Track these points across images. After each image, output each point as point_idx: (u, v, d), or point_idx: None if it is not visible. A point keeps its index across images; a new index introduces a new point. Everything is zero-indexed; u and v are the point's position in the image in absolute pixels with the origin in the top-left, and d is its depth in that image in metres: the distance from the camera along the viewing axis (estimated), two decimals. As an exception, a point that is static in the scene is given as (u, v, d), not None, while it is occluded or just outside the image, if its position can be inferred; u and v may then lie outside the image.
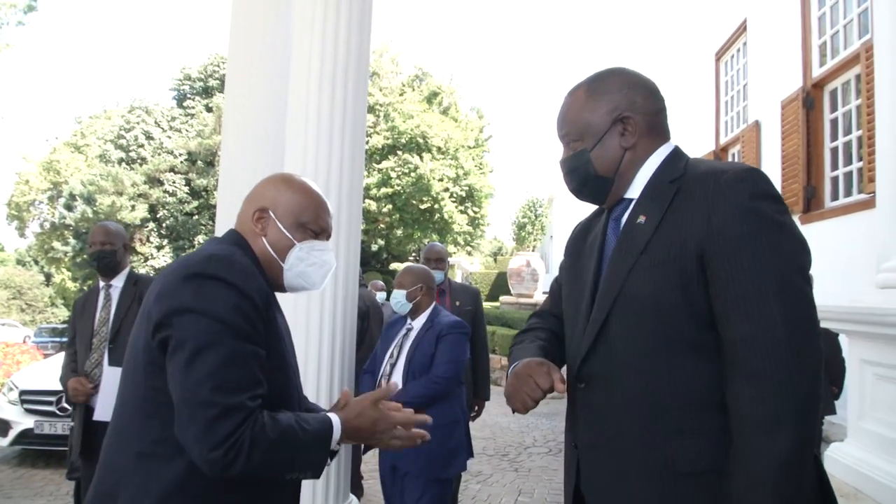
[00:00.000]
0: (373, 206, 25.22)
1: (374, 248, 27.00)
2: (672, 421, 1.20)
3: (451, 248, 26.21)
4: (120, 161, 28.70)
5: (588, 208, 1.59)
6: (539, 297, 14.42)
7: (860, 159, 5.01)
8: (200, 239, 25.44)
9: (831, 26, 5.26)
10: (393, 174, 25.45)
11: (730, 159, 7.46)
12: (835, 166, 5.58)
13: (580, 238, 1.55)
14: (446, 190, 25.64)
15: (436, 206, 25.52)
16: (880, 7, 3.24)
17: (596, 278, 1.37)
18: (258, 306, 1.26)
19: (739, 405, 1.13)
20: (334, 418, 1.31)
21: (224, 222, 3.08)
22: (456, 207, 26.18)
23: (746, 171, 1.21)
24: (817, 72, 5.64)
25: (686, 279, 1.20)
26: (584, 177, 1.40)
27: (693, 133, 8.45)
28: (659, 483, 1.21)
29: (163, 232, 28.33)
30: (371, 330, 4.37)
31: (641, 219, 1.30)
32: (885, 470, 2.88)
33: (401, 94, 27.76)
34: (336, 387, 3.15)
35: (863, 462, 3.07)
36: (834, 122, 5.58)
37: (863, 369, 3.22)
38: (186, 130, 29.02)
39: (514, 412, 1.37)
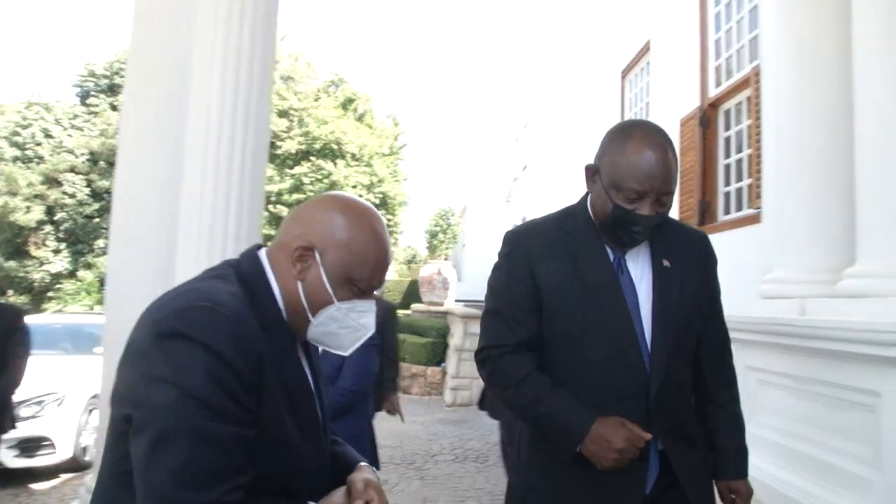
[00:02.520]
0: (284, 211, 24.77)
1: (286, 254, 26.54)
2: (691, 412, 1.67)
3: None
4: (15, 159, 27.06)
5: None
6: (450, 304, 14.50)
7: (750, 176, 5.31)
8: (101, 243, 24.25)
9: (726, 49, 5.57)
10: (306, 180, 25.09)
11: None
12: (728, 182, 5.89)
13: (560, 251, 1.60)
14: (360, 197, 25.50)
15: (350, 213, 25.34)
16: (767, 34, 3.45)
17: (635, 314, 1.56)
18: (243, 375, 1.00)
19: (729, 402, 1.71)
20: None
21: (119, 227, 2.97)
22: (370, 215, 26.08)
23: (705, 234, 1.81)
24: (713, 92, 5.95)
25: (701, 313, 1.64)
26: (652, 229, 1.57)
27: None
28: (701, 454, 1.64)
29: (60, 235, 26.85)
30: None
31: (666, 263, 1.60)
32: (769, 472, 3.04)
33: (316, 100, 27.43)
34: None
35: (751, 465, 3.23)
36: (728, 141, 5.89)
37: (747, 375, 3.39)
38: (89, 129, 27.66)
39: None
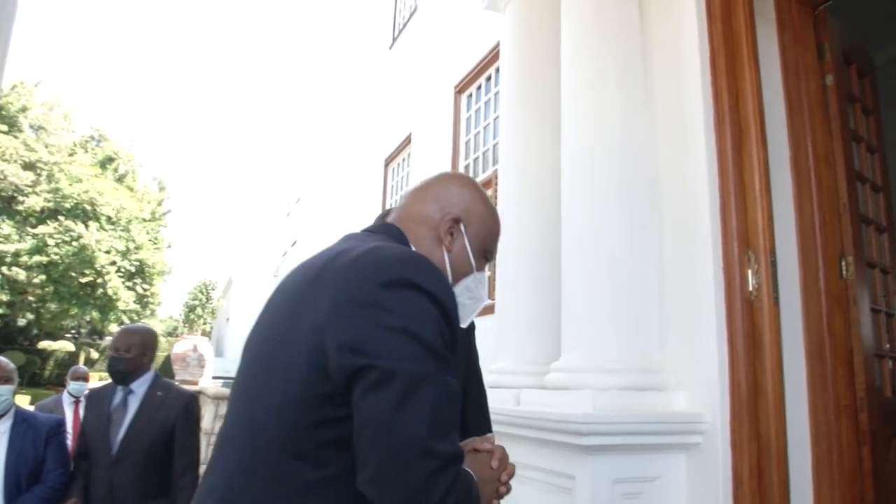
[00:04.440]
0: (22, 275, 22.11)
1: (23, 322, 23.51)
2: None
3: (115, 328, 23.89)
4: None
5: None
6: (206, 383, 13.65)
7: (489, 269, 5.72)
8: None
9: (474, 151, 6.05)
10: (51, 241, 22.72)
11: (391, 258, 8.05)
12: (477, 272, 6.27)
13: None
14: (113, 263, 23.53)
15: (99, 280, 23.21)
16: (503, 144, 3.80)
17: None
18: (454, 329, 1.01)
19: None
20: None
21: None
22: (123, 283, 24.10)
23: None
24: (466, 188, 6.37)
25: None
26: None
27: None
28: None
29: None
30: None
31: None
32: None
33: (71, 154, 25.24)
34: None
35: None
36: (476, 234, 6.29)
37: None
38: None
39: None
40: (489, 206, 1.29)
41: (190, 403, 3.09)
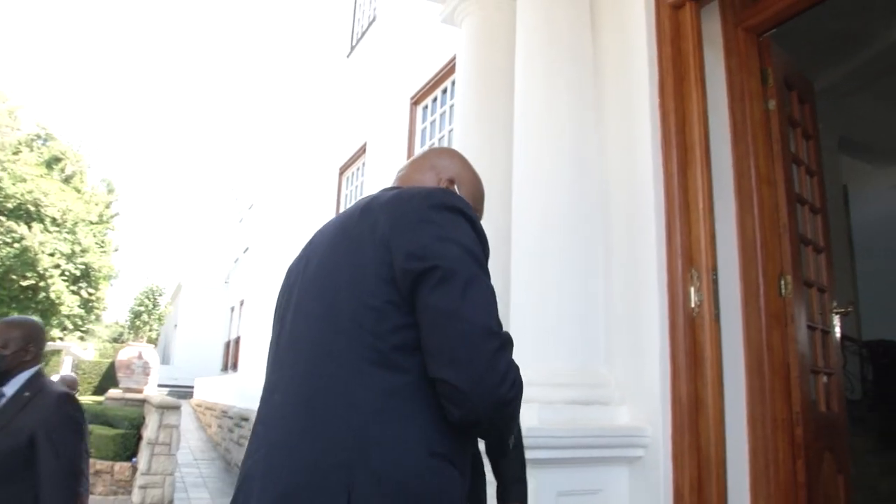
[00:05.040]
0: (-41, 277, 21.32)
1: (-45, 326, 22.57)
2: None
3: (58, 333, 23.18)
4: None
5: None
6: (151, 391, 13.35)
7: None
8: None
9: (428, 162, 6.07)
10: (-9, 242, 21.94)
11: (344, 267, 7.99)
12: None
13: None
14: (57, 266, 22.82)
15: (42, 283, 22.48)
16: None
17: None
18: (486, 245, 1.24)
19: None
20: None
21: None
22: (67, 287, 23.38)
23: None
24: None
25: None
26: None
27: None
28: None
29: None
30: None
31: None
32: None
33: (15, 153, 24.44)
34: None
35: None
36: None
37: None
38: None
39: None
40: (475, 173, 1.51)
41: (62, 404, 2.61)
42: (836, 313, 3.32)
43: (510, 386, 1.10)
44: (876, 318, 7.95)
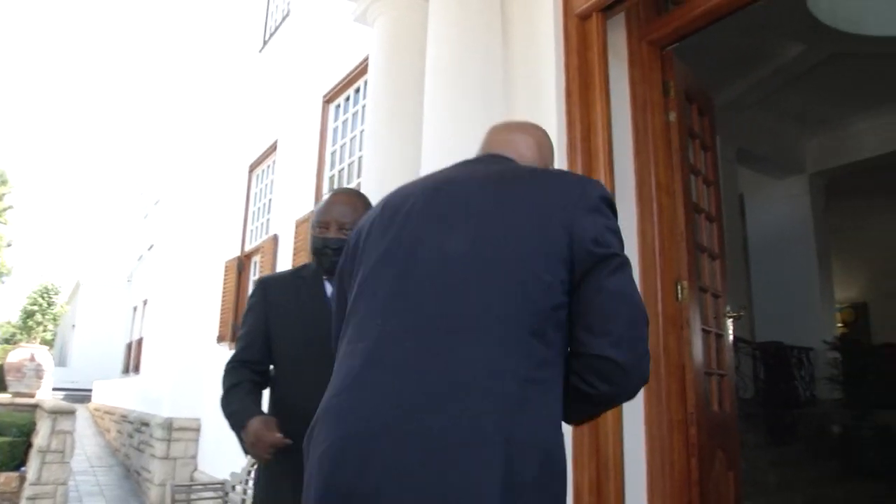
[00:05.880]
0: None
1: None
2: None
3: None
4: None
5: None
6: (44, 395, 12.61)
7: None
8: None
9: (340, 162, 5.99)
10: None
11: (252, 268, 7.78)
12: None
13: (291, 290, 2.12)
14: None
15: (-78, 280, 20.98)
16: (367, 157, 3.78)
17: None
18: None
19: None
20: None
21: None
22: (-48, 284, 21.90)
23: None
24: (330, 199, 6.29)
25: None
26: None
27: (223, 239, 8.63)
28: None
29: None
30: None
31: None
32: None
33: None
34: None
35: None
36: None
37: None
38: None
39: None
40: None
41: None
42: (729, 317, 3.48)
43: (648, 361, 1.23)
44: (769, 321, 8.41)
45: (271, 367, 2.13)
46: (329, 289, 2.03)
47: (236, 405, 1.95)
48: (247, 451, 1.91)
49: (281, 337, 2.05)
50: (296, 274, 2.18)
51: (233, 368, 2.07)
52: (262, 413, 1.94)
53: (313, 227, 2.06)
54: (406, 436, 1.10)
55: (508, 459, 1.08)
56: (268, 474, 2.01)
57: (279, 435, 1.79)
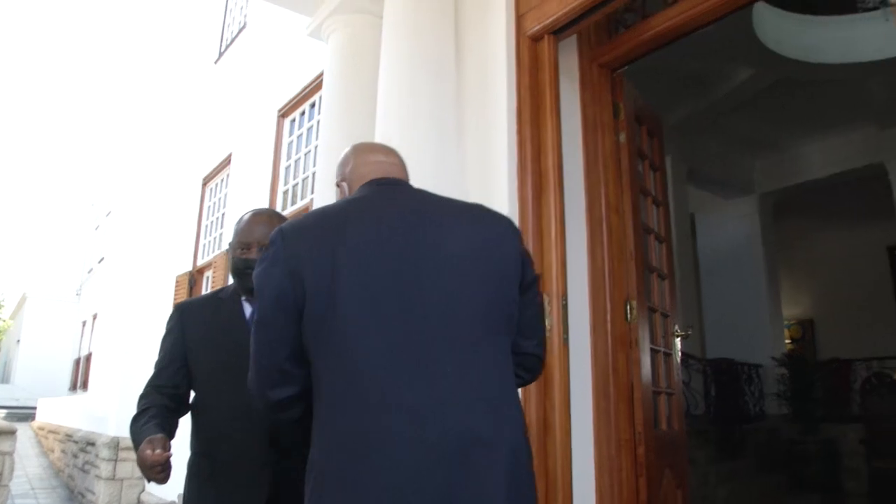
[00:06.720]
0: None
1: None
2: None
3: None
4: None
5: None
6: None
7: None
8: None
9: (294, 177, 5.94)
10: None
11: (204, 283, 7.64)
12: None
13: (209, 312, 2.08)
14: None
15: None
16: (321, 173, 3.74)
17: None
18: None
19: None
20: None
21: None
22: None
23: None
24: (286, 212, 6.23)
25: None
26: None
27: (174, 253, 8.47)
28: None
29: None
30: None
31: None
32: None
33: None
34: None
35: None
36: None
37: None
38: None
39: None
40: None
41: None
42: (678, 336, 3.52)
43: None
44: (719, 338, 8.56)
45: (192, 391, 2.09)
46: (248, 309, 2.03)
47: (135, 431, 1.92)
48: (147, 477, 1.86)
49: (199, 361, 2.03)
50: (214, 296, 2.17)
51: (144, 395, 2.06)
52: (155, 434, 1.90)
53: (234, 249, 2.05)
54: (455, 440, 1.27)
55: (509, 459, 1.30)
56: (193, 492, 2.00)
57: (159, 451, 1.74)
